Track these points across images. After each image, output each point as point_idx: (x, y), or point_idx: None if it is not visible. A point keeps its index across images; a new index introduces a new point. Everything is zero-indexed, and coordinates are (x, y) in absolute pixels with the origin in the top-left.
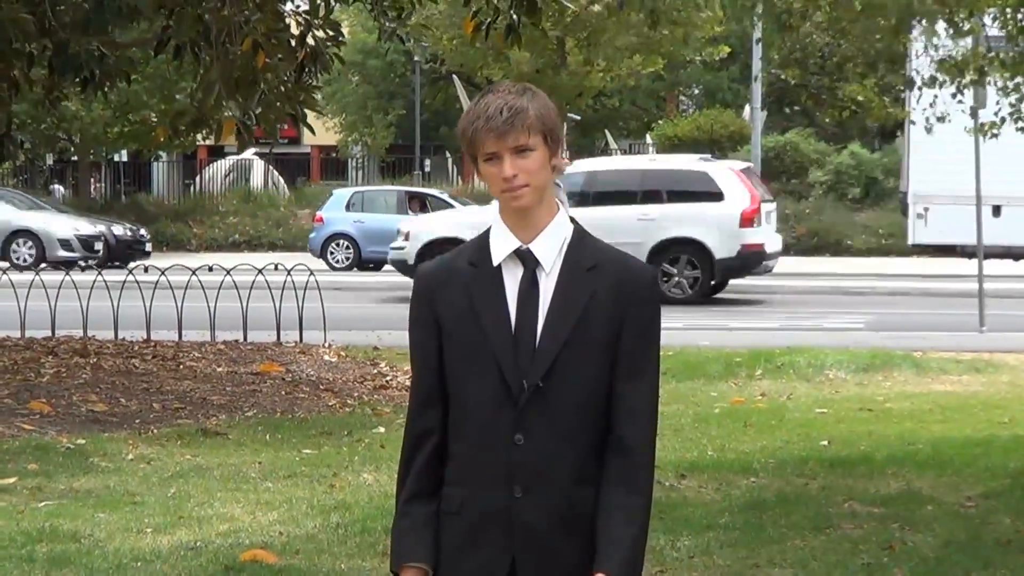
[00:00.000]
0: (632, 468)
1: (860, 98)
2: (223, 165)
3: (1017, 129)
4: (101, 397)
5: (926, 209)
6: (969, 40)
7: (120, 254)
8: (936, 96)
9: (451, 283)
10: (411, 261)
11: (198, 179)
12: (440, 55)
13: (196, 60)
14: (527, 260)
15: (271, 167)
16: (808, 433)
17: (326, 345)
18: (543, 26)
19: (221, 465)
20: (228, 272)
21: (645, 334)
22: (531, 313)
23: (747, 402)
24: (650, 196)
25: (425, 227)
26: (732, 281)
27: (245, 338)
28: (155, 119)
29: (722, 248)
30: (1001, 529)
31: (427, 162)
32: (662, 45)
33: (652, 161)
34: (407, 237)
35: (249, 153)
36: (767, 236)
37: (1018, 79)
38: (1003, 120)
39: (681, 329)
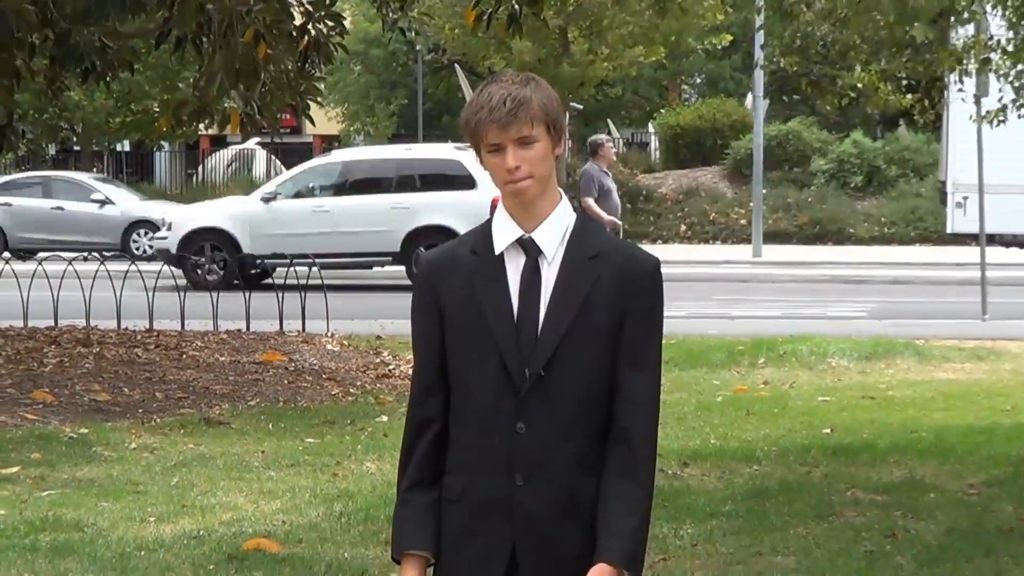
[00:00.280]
0: (633, 458)
1: (860, 84)
2: (225, 155)
3: (1020, 116)
4: (104, 386)
5: (965, 198)
6: (971, 28)
7: None
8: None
9: (454, 271)
10: (173, 250)
11: (200, 169)
12: (442, 44)
13: (197, 51)
14: (529, 249)
15: (273, 157)
16: (811, 421)
17: (329, 334)
18: (545, 15)
19: (224, 454)
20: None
21: (647, 324)
22: (533, 302)
23: (750, 390)
24: (405, 184)
25: (187, 217)
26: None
27: (248, 327)
28: (157, 109)
29: None
30: (1003, 517)
31: None
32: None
33: (408, 150)
34: (170, 227)
35: (251, 143)
36: None
37: (1020, 66)
38: (1005, 108)
39: (684, 318)
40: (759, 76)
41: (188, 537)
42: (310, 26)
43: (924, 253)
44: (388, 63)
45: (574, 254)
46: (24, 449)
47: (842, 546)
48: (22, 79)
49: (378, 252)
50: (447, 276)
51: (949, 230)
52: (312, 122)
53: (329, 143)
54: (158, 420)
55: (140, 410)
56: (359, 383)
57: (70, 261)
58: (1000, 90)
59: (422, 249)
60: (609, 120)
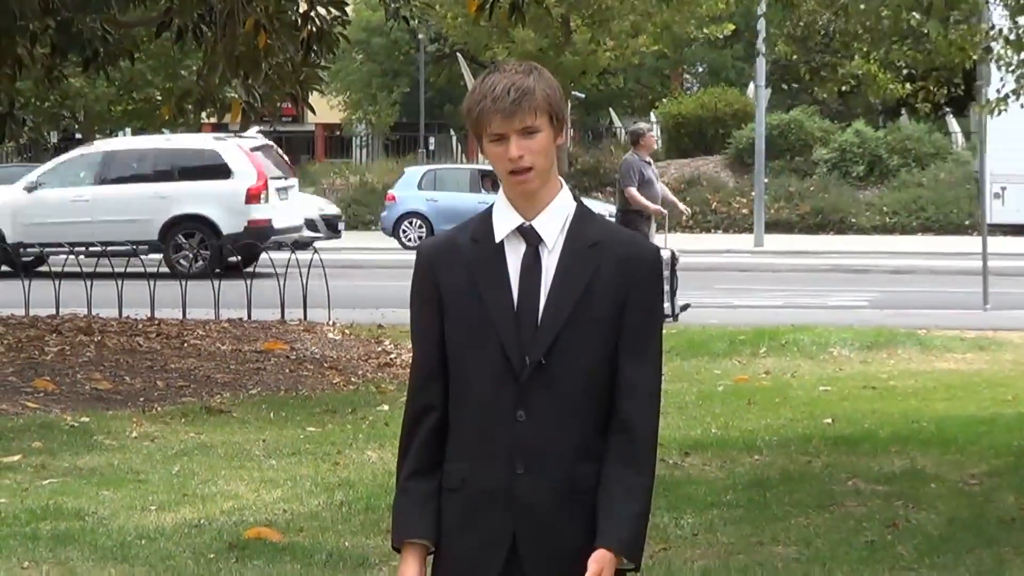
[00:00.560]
0: (634, 447)
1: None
2: None
3: (1022, 106)
4: (105, 375)
5: (1003, 188)
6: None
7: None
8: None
9: (453, 259)
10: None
11: None
12: (444, 33)
13: (198, 41)
14: (529, 237)
15: (275, 146)
16: (812, 411)
17: (330, 323)
18: (547, 4)
19: (225, 443)
20: (233, 250)
21: (648, 313)
22: (533, 290)
23: (751, 380)
24: (164, 174)
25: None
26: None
27: (249, 316)
28: (159, 97)
29: (228, 224)
30: (1005, 507)
31: (431, 140)
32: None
33: (167, 140)
34: None
35: (253, 132)
36: (276, 212)
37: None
38: (1006, 97)
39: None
40: (761, 65)
41: (189, 526)
42: (313, 14)
43: (926, 243)
44: (390, 52)
45: (574, 242)
46: (25, 437)
47: (843, 536)
48: (23, 67)
49: (136, 241)
50: (446, 264)
51: (988, 221)
52: (312, 110)
53: (331, 132)
54: (159, 409)
55: (141, 399)
56: (360, 372)
57: (74, 251)
58: (1001, 79)
59: (181, 237)
60: (611, 109)
